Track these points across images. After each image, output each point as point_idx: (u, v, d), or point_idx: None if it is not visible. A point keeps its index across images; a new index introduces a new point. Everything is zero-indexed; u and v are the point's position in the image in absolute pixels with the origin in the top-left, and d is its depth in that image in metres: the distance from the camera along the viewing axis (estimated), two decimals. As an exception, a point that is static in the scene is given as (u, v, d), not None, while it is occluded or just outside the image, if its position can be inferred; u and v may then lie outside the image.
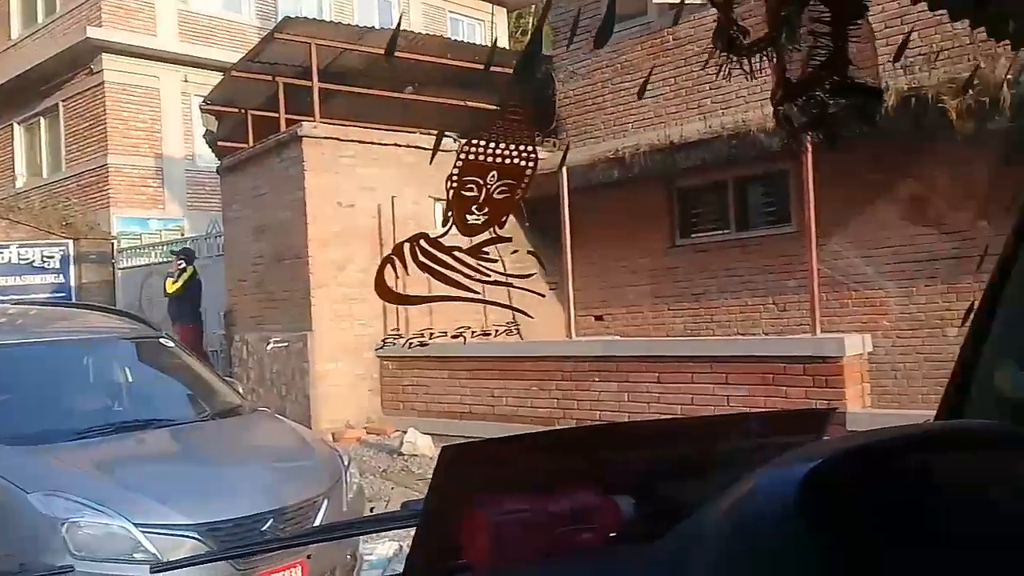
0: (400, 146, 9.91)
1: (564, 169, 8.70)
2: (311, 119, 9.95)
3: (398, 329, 9.71)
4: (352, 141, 9.86)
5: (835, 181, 8.57)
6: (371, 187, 9.76)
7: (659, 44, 9.99)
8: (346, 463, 4.54)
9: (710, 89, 9.29)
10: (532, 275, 1.26)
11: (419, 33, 12.13)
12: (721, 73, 1.04)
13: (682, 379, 7.62)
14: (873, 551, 1.01)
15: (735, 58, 0.98)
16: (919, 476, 1.12)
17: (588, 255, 10.36)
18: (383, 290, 1.01)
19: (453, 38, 15.62)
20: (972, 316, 1.63)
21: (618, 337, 10.04)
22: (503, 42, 19.79)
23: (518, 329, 8.11)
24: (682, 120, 9.65)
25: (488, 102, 10.15)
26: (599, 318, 10.88)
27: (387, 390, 9.86)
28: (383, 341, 9.23)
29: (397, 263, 1.00)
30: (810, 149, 7.65)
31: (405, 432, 8.77)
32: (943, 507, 1.03)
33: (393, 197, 9.76)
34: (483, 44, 14.41)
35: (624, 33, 10.01)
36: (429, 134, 9.88)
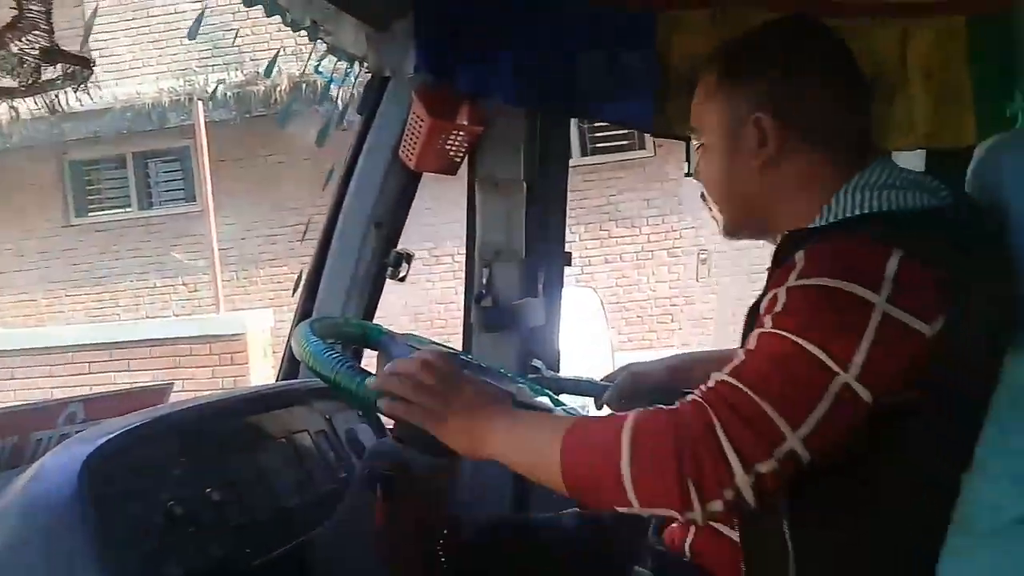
0: None
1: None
2: None
3: None
4: None
5: (240, 160, 8.71)
6: None
7: None
8: None
9: (100, 57, 8.64)
10: None
11: None
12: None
13: (79, 370, 7.06)
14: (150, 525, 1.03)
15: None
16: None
17: (-41, 236, 8.91)
18: None
19: None
20: (301, 286, 1.78)
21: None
22: None
23: None
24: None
25: None
26: (-22, 309, 9.45)
27: None
28: None
29: None
30: (203, 125, 7.66)
31: None
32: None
33: None
34: None
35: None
36: None
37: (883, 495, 0.94)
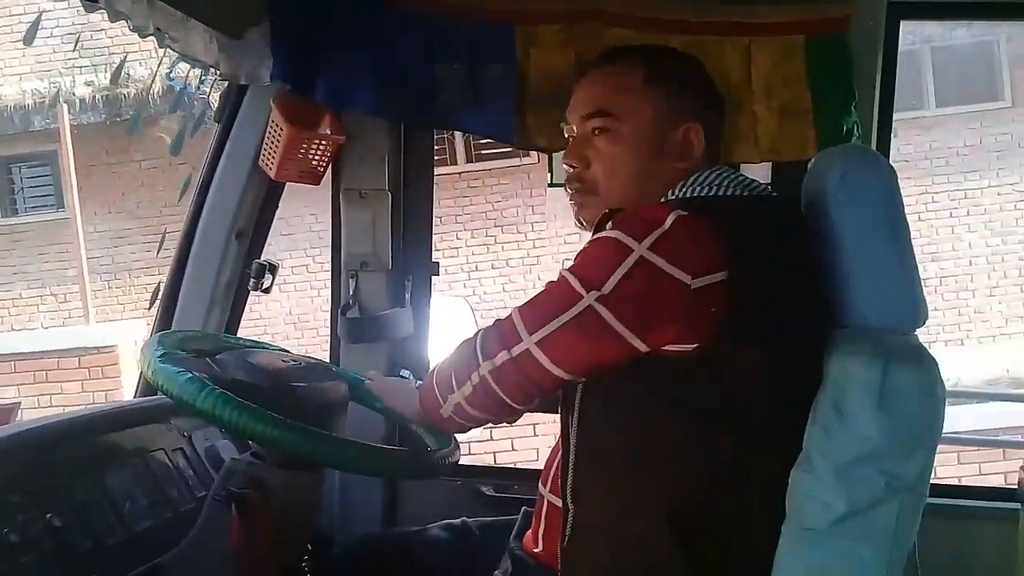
0: None
1: None
2: None
3: None
4: None
5: (111, 164, 8.33)
6: None
7: None
8: None
9: (-44, 56, 8.14)
10: None
11: None
12: None
13: (-64, 387, 6.59)
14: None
15: None
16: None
17: None
18: None
19: None
20: (159, 298, 1.72)
21: None
22: None
23: None
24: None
25: None
26: None
27: None
28: None
29: None
30: (68, 129, 7.30)
31: None
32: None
33: None
34: None
35: None
36: None
37: (662, 455, 1.03)
